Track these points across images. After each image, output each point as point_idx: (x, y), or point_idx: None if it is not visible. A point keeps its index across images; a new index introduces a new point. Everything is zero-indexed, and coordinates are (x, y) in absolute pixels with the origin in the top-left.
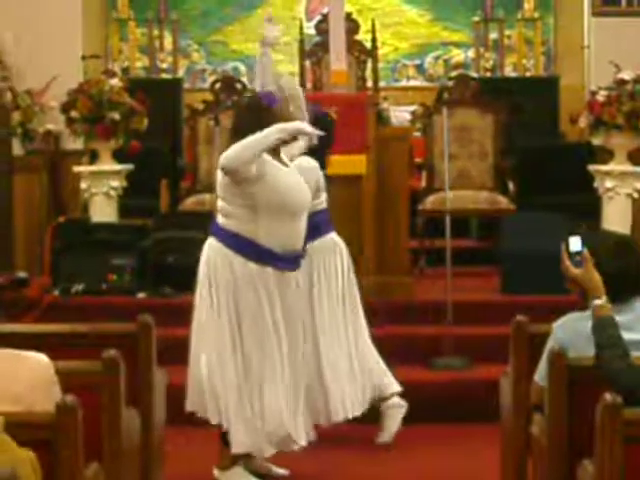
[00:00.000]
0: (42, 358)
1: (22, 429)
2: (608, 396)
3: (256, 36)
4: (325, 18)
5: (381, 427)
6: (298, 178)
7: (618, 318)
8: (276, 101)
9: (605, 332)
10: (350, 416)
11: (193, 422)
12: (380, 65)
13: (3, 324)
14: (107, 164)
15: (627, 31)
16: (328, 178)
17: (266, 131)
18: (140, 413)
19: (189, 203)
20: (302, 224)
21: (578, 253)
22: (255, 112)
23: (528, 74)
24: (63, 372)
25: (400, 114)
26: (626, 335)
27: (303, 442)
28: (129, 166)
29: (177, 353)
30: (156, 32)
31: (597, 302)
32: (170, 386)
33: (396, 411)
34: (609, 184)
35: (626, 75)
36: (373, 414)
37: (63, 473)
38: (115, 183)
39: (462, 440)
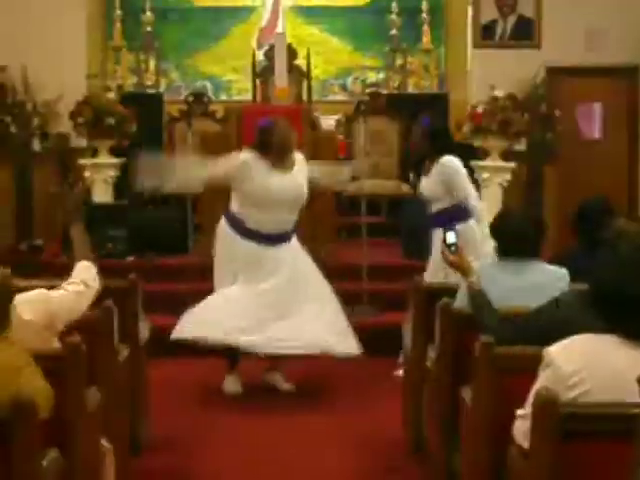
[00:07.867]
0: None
1: None
2: (483, 337)
3: (220, 61)
4: (272, 48)
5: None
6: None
7: (515, 278)
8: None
9: (477, 301)
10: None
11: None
12: (313, 84)
13: None
14: (105, 158)
15: (500, 59)
16: None
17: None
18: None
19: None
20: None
21: (453, 244)
22: None
23: (425, 91)
24: None
25: (328, 121)
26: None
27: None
28: (122, 159)
29: None
30: (142, 57)
31: (468, 281)
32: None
33: None
34: (485, 175)
35: (498, 93)
36: None
37: None
38: (111, 172)
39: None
